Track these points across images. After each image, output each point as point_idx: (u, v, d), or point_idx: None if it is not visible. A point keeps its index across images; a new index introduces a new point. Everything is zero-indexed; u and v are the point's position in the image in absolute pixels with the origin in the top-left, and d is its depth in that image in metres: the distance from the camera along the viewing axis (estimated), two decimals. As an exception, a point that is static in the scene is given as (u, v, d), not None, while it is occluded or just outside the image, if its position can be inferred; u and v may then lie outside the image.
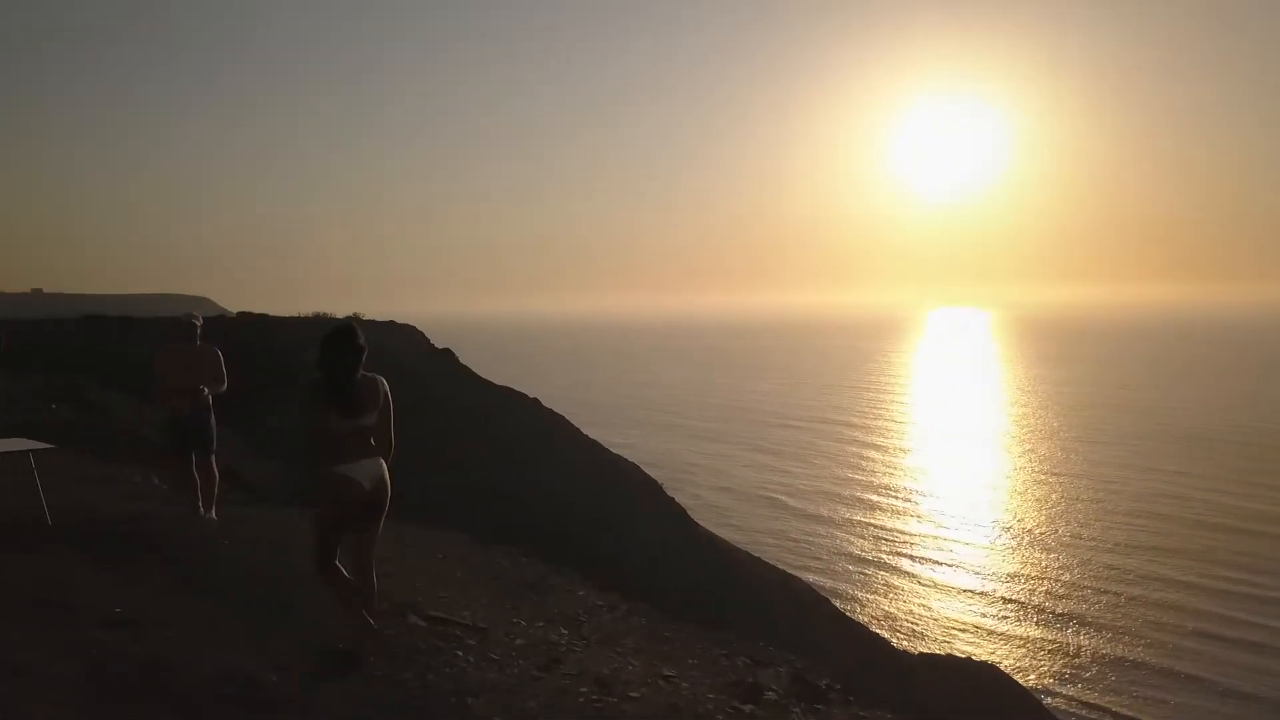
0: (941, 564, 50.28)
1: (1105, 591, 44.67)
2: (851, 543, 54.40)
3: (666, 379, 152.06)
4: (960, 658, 31.88)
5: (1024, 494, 65.53)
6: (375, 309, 55.11)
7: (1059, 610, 42.88)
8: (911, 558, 51.56)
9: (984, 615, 42.89)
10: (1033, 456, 78.69)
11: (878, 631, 33.18)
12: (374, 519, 5.47)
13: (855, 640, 28.18)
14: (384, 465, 5.46)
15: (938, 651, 34.38)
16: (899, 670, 26.41)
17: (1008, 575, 48.03)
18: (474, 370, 40.68)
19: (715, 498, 64.07)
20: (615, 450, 38.21)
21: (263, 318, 41.49)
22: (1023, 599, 44.53)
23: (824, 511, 61.43)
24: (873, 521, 59.04)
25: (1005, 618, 42.48)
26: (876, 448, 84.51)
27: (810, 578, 40.29)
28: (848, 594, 44.55)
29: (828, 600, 32.68)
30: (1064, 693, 34.96)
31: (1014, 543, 53.66)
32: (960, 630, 41.23)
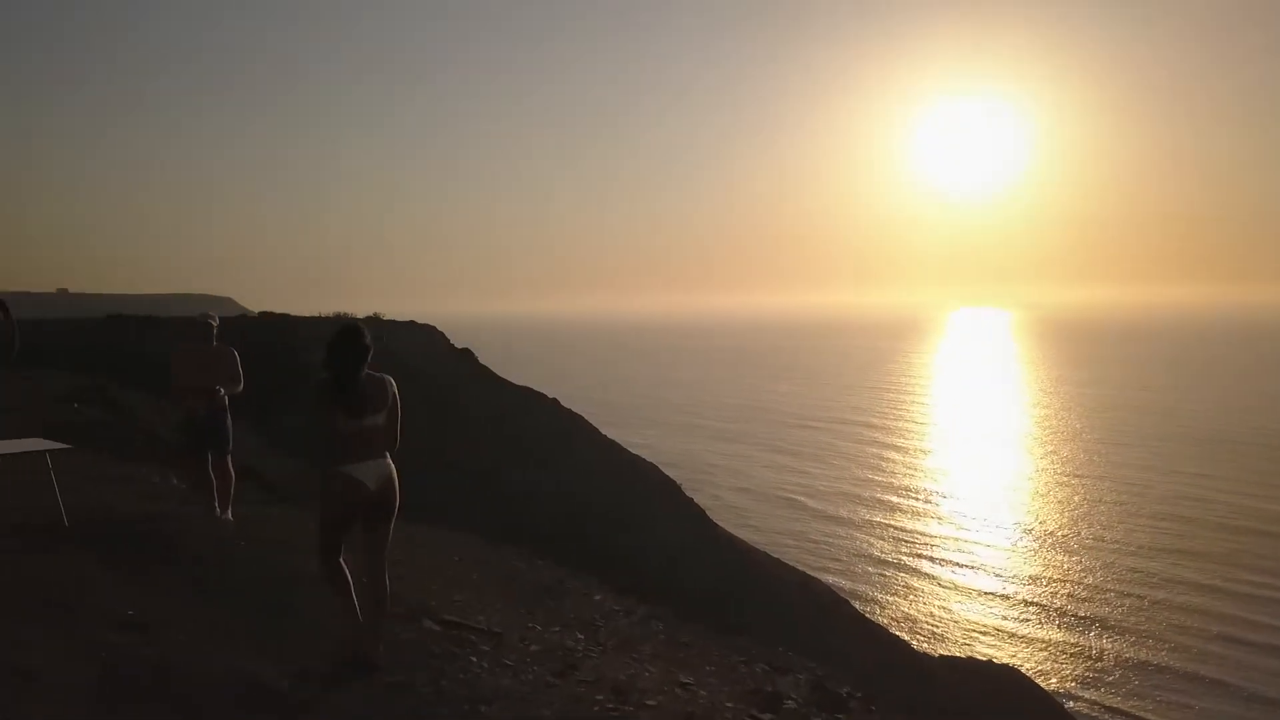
0: (962, 566, 49.96)
1: (1128, 595, 44.28)
2: (871, 544, 54.14)
3: (685, 379, 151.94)
4: (981, 660, 31.65)
5: (1046, 496, 65.06)
6: (396, 309, 55.26)
7: (1081, 613, 42.53)
8: (932, 559, 51.26)
9: (1005, 618, 42.58)
10: (1054, 458, 78.15)
11: (898, 634, 32.95)
12: (382, 520, 5.42)
13: (875, 642, 28.01)
14: (391, 466, 5.42)
15: (958, 654, 34.15)
16: (919, 673, 26.22)
17: (1029, 578, 47.69)
18: (493, 370, 40.72)
19: (734, 498, 63.89)
20: (634, 450, 38.15)
21: (284, 317, 41.65)
22: (1044, 602, 44.19)
23: (843, 513, 61.17)
24: (893, 523, 58.75)
25: (1027, 620, 42.17)
26: (897, 449, 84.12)
27: (830, 579, 40.10)
28: (867, 596, 44.34)
29: (847, 602, 32.51)
30: (1086, 696, 34.67)
31: (1035, 545, 53.28)
32: (981, 633, 40.96)
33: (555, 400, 38.80)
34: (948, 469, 75.34)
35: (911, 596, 45.74)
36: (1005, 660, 34.07)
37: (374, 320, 43.41)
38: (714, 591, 26.76)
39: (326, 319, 41.80)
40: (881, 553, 52.50)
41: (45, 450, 7.94)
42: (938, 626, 41.79)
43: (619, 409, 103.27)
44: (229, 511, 9.03)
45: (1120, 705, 34.12)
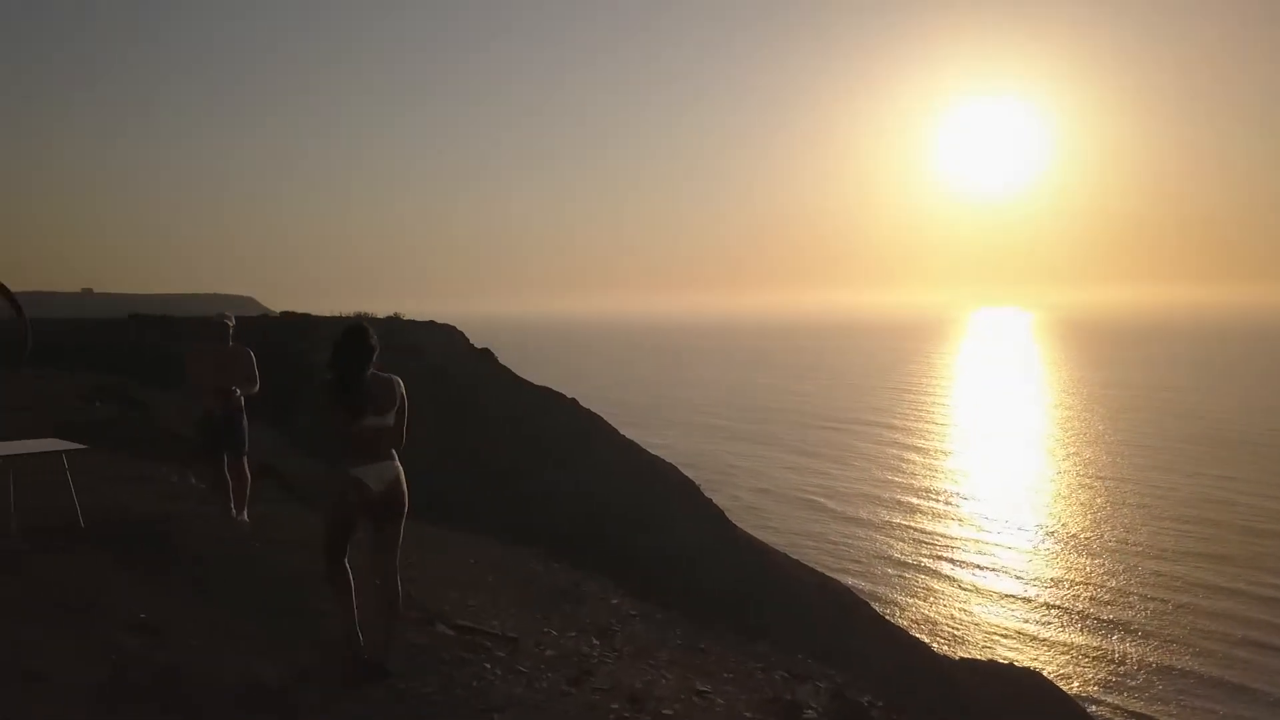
0: (983, 568, 49.67)
1: (1151, 598, 43.89)
2: (891, 546, 53.90)
3: (705, 379, 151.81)
4: (1002, 664, 31.44)
5: (1067, 498, 64.62)
6: (416, 309, 55.40)
7: (1104, 617, 42.20)
8: (952, 561, 50.99)
9: (1026, 621, 42.31)
10: (1076, 460, 77.63)
11: (918, 636, 32.79)
12: (390, 521, 5.36)
13: (895, 645, 27.87)
14: (398, 468, 5.36)
15: (979, 657, 33.94)
16: (939, 676, 26.07)
17: (1051, 580, 47.35)
18: (512, 370, 40.75)
19: (753, 499, 63.75)
20: (653, 451, 38.11)
21: (305, 317, 41.82)
22: (1066, 605, 43.87)
23: (863, 514, 60.96)
24: (913, 524, 58.48)
25: (1048, 623, 41.88)
26: (917, 450, 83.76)
27: (849, 581, 39.95)
28: (887, 598, 44.12)
29: (867, 604, 32.38)
30: (1108, 701, 34.38)
31: (1057, 547, 52.92)
32: (1002, 636, 40.70)
33: (574, 400, 38.80)
34: (968, 470, 74.96)
35: (932, 599, 45.51)
36: (1027, 663, 33.82)
37: (394, 320, 43.53)
38: (733, 593, 26.68)
39: (347, 319, 41.93)
40: (901, 554, 52.27)
41: (61, 450, 7.93)
42: (958, 629, 41.55)
43: (638, 409, 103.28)
44: (245, 512, 9.01)
45: (1143, 710, 33.83)
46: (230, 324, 9.02)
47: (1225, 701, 34.21)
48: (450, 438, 31.33)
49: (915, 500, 64.79)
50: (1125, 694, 34.96)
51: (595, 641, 7.25)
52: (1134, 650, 38.49)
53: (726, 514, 34.68)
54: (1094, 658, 38.09)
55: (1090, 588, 45.93)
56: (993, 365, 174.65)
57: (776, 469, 76.00)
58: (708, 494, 35.50)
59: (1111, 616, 42.11)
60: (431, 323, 44.79)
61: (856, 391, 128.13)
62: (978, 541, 54.50)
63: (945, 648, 36.00)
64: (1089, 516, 59.04)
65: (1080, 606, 43.57)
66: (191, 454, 11.82)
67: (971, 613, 43.56)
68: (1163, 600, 43.53)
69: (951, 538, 55.64)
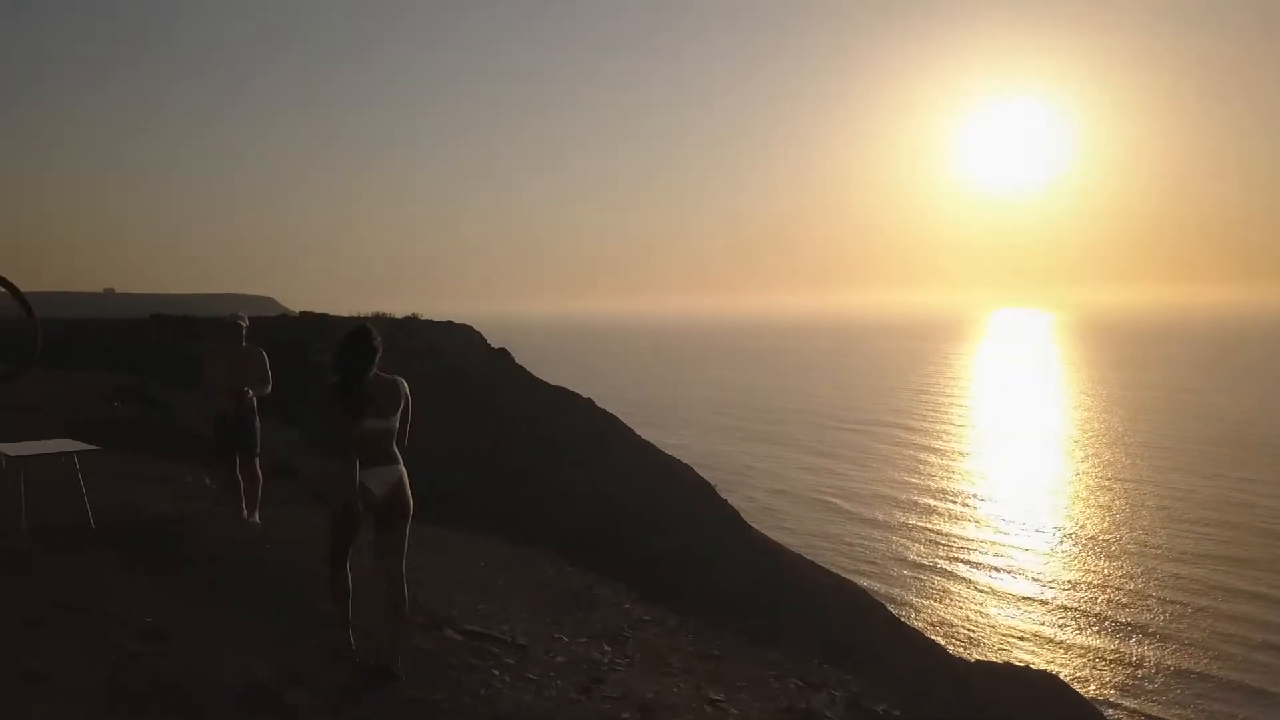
0: (1000, 570, 49.45)
1: (1170, 601, 43.59)
2: (907, 547, 53.72)
3: (722, 380, 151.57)
4: (1018, 666, 31.30)
5: (1086, 500, 64.24)
6: (434, 309, 55.58)
7: (1122, 619, 41.94)
8: (969, 563, 50.77)
9: (1043, 623, 42.10)
10: (1095, 461, 77.16)
11: (934, 638, 32.67)
12: (394, 524, 5.31)
13: (910, 647, 27.79)
14: (401, 471, 5.31)
15: (995, 659, 33.80)
16: (955, 678, 25.98)
17: (1068, 583, 47.09)
18: (529, 370, 40.83)
19: (769, 500, 63.61)
20: (669, 451, 38.10)
21: (323, 317, 42.09)
22: (1084, 607, 43.62)
23: (880, 515, 60.75)
24: (929, 526, 58.26)
25: (1065, 626, 41.65)
26: (935, 451, 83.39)
27: (865, 582, 39.80)
28: (903, 599, 43.97)
29: (883, 605, 32.26)
30: (1126, 704, 34.18)
31: (1075, 549, 52.61)
32: (1018, 638, 40.50)
33: (590, 400, 38.85)
34: (986, 472, 74.60)
35: (948, 600, 45.34)
36: (1043, 666, 33.68)
37: (412, 320, 43.74)
38: (748, 594, 26.67)
39: (365, 319, 42.15)
40: (918, 556, 52.09)
41: (73, 451, 7.96)
42: (974, 631, 41.39)
43: (654, 409, 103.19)
44: (256, 514, 8.99)
45: (1161, 714, 33.62)
46: (243, 324, 8.99)
47: (1244, 705, 33.96)
48: (466, 437, 31.45)
49: (932, 502, 64.54)
50: (1143, 697, 34.75)
51: (607, 648, 7.14)
52: (1152, 653, 38.26)
53: (742, 515, 34.66)
54: (1111, 661, 37.87)
55: (1108, 590, 45.67)
56: (1011, 366, 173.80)
57: (793, 470, 75.83)
58: (723, 495, 35.48)
59: (1129, 619, 41.85)
60: (449, 323, 44.96)
61: (874, 392, 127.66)
62: (994, 543, 54.25)
63: (961, 650, 35.86)
64: (1107, 518, 58.68)
65: (1098, 609, 43.33)
66: (208, 454, 11.87)
67: (988, 615, 43.38)
68: (1181, 603, 43.24)
69: (968, 539, 55.40)
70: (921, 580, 48.11)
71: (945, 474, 74.05)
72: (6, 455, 7.70)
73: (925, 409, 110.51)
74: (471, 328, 44.71)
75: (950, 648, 33.18)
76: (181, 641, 5.42)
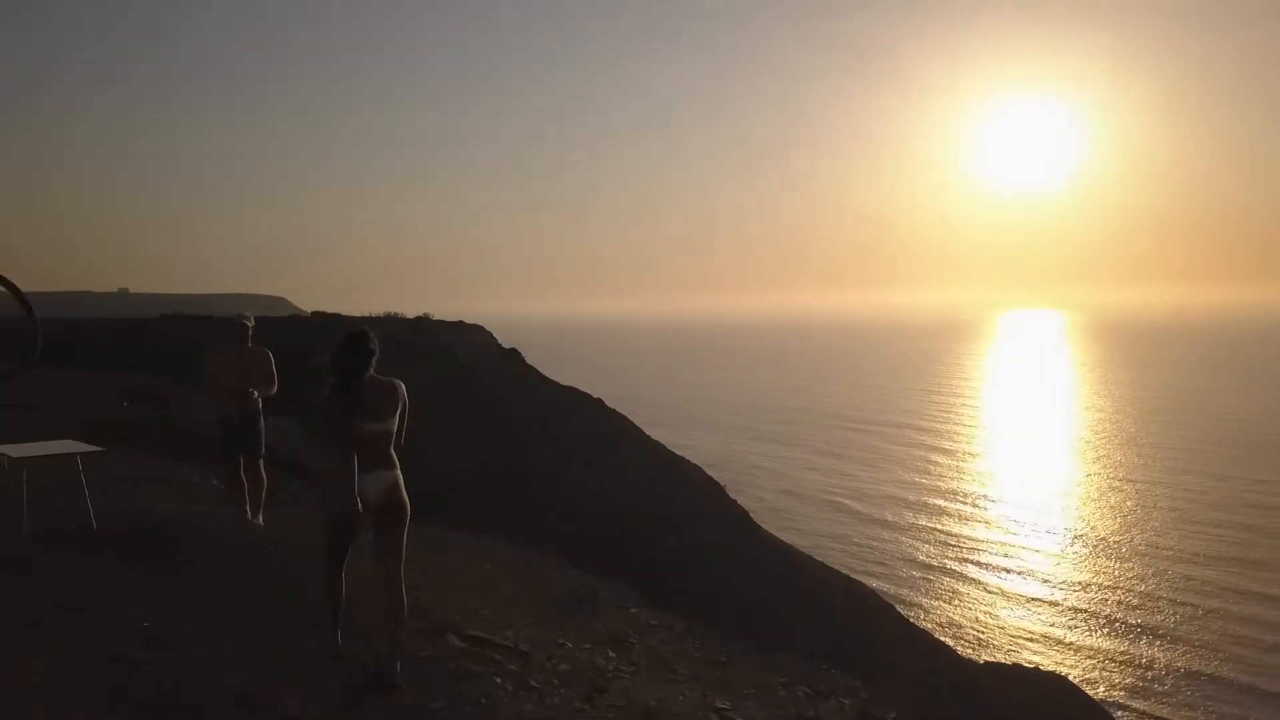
0: (1009, 571, 49.34)
1: (1181, 603, 43.43)
2: (917, 548, 53.64)
3: (733, 380, 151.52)
4: (1027, 668, 31.25)
5: (1097, 501, 64.02)
6: (446, 309, 55.71)
7: (1132, 621, 41.80)
8: (978, 564, 50.67)
9: (1053, 624, 41.99)
10: (1107, 462, 76.89)
11: (943, 639, 32.63)
12: (391, 527, 5.26)
13: (919, 648, 27.76)
14: (397, 475, 5.26)
15: (1004, 660, 33.74)
16: (964, 680, 25.95)
17: (1079, 584, 46.95)
18: (540, 370, 40.90)
19: (778, 500, 63.59)
20: (678, 451, 38.12)
21: (335, 317, 42.29)
22: (1094, 609, 43.48)
23: (889, 516, 60.67)
24: (939, 527, 58.15)
25: (1075, 627, 41.53)
26: (945, 452, 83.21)
27: (874, 583, 39.79)
28: (912, 601, 43.91)
29: (892, 606, 32.25)
30: (1135, 706, 34.07)
31: (1086, 551, 52.45)
32: (1028, 639, 40.41)
33: (600, 400, 38.90)
34: (997, 473, 74.41)
35: (957, 601, 45.26)
36: (1052, 668, 33.59)
37: (424, 320, 43.89)
38: (757, 595, 26.70)
39: (377, 319, 42.33)
40: (927, 557, 52.01)
41: (76, 453, 7.92)
42: (984, 632, 41.31)
43: (664, 409, 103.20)
44: (260, 516, 8.92)
45: (1170, 716, 33.50)
46: (249, 325, 8.92)
47: (1255, 708, 33.81)
48: (477, 437, 31.57)
49: (942, 502, 64.41)
50: (1153, 699, 34.64)
51: (611, 654, 7.03)
52: (1162, 655, 38.13)
53: (751, 515, 34.67)
54: (1121, 662, 37.75)
55: (1119, 591, 45.52)
56: (1023, 366, 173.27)
57: (802, 470, 75.77)
58: (732, 495, 35.49)
59: (1140, 621, 41.71)
60: (460, 322, 45.10)
61: (884, 393, 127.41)
62: (1005, 544, 54.12)
63: (970, 651, 35.79)
64: (1118, 519, 58.48)
65: (1108, 610, 43.19)
66: (213, 455, 11.78)
67: (997, 616, 43.30)
68: (1193, 605, 43.07)
69: (978, 540, 55.29)
70: (931, 581, 48.04)
71: (955, 475, 73.88)
72: (9, 456, 7.63)
73: (936, 409, 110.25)
74: (482, 328, 44.81)
75: (959, 649, 33.13)
76: (181, 646, 5.37)
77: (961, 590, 46.78)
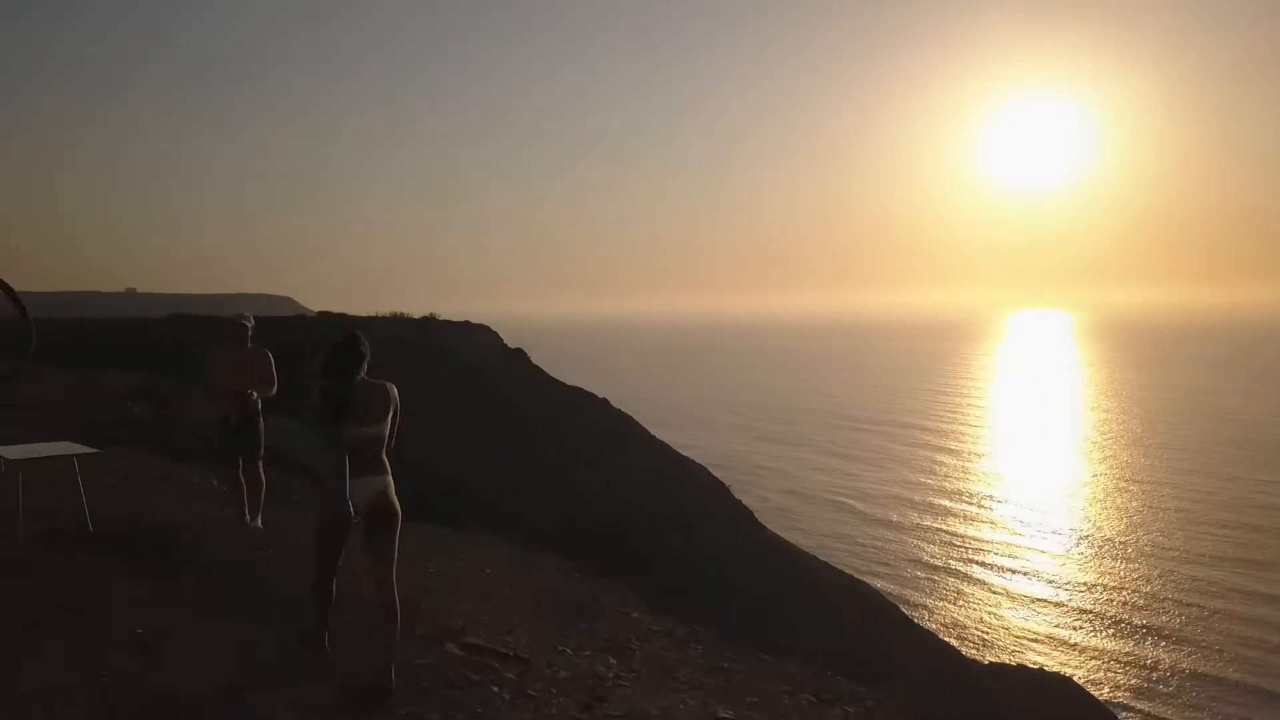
0: (1014, 572, 49.30)
1: (1187, 604, 43.37)
2: (921, 549, 53.61)
3: (736, 380, 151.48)
4: (1032, 668, 31.25)
5: (1103, 501, 63.92)
6: (452, 309, 55.68)
7: (1138, 622, 41.74)
8: (983, 565, 50.63)
9: (1057, 625, 41.94)
10: (1113, 463, 76.77)
11: (947, 640, 32.62)
12: (382, 532, 5.21)
13: (924, 648, 27.77)
14: (387, 480, 5.22)
15: (1008, 661, 33.72)
16: (968, 680, 25.95)
17: (1084, 585, 46.89)
18: (545, 370, 40.88)
19: (782, 501, 63.60)
20: (682, 451, 38.11)
21: (341, 317, 42.31)
22: (1099, 610, 43.43)
23: (894, 517, 60.65)
24: (944, 527, 58.11)
25: (1080, 628, 41.49)
26: (950, 452, 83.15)
27: (878, 584, 39.77)
28: (917, 601, 43.89)
29: (896, 607, 32.23)
30: (1140, 707, 34.04)
31: (1092, 552, 52.38)
32: (1032, 640, 40.38)
33: (605, 400, 38.89)
34: (1002, 473, 74.33)
35: (962, 602, 45.23)
36: (1057, 669, 33.58)
37: (429, 320, 43.87)
38: (761, 595, 26.70)
39: (383, 319, 42.36)
40: (932, 557, 51.97)
41: (73, 455, 7.86)
42: (988, 633, 41.29)
43: (669, 409, 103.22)
44: (259, 518, 8.86)
45: (1175, 717, 33.48)
46: (249, 325, 8.85)
47: (1260, 709, 33.76)
48: (482, 437, 31.57)
49: (947, 503, 64.36)
50: (1158, 700, 34.60)
51: (612, 661, 6.90)
52: (1167, 656, 38.07)
53: (756, 515, 34.66)
54: (1126, 663, 37.70)
55: (1124, 592, 45.46)
56: (1029, 367, 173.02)
57: (806, 470, 75.76)
58: (737, 495, 35.48)
59: (1145, 622, 41.65)
60: (466, 323, 45.05)
61: (890, 393, 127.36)
62: (1010, 545, 54.08)
63: (974, 652, 35.78)
64: (1124, 520, 58.40)
65: (1113, 611, 43.13)
66: (214, 455, 11.72)
67: (1002, 616, 43.26)
68: (1199, 606, 43.00)
69: (983, 541, 55.25)
70: (935, 582, 48.01)
71: (961, 475, 73.83)
72: (4, 458, 7.56)
73: (941, 409, 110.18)
74: (488, 327, 44.77)
75: (964, 650, 33.13)
76: (173, 653, 5.32)
77: (966, 591, 46.75)
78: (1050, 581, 47.61)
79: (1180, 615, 42.19)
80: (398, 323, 42.15)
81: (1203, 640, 39.48)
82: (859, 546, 53.37)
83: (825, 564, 34.33)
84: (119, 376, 22.30)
